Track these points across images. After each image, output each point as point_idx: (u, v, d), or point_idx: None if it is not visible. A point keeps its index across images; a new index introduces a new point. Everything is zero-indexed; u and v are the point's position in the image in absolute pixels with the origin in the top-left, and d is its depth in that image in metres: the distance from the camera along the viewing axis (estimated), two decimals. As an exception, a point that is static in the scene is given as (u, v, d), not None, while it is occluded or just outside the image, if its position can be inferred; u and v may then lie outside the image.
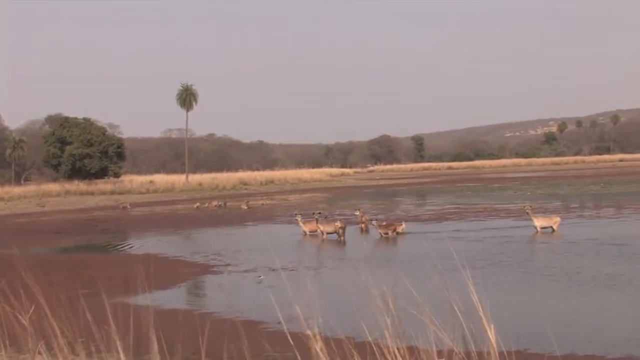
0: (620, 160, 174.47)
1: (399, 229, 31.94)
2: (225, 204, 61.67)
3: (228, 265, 24.74)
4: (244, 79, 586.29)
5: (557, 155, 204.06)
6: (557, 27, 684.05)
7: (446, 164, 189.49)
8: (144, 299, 18.11)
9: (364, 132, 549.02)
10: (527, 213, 31.44)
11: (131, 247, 33.03)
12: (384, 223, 32.95)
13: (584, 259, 22.76)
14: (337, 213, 45.86)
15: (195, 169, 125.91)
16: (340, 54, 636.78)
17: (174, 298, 19.05)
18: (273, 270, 22.64)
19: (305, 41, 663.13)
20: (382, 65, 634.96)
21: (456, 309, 4.28)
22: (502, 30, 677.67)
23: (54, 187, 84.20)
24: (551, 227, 30.74)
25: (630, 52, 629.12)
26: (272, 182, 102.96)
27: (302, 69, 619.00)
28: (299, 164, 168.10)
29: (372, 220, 33.30)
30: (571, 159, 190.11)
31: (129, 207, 63.69)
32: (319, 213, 36.95)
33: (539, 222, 30.89)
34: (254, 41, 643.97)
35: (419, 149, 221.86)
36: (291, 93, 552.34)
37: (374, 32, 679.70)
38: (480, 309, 4.06)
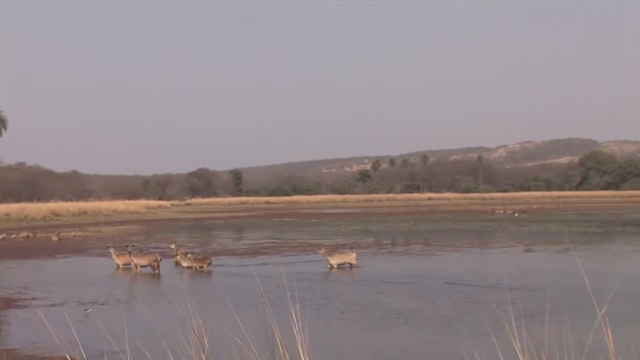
0: (429, 199, 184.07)
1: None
2: (34, 235, 58.97)
3: (35, 299, 23.63)
4: (58, 106, 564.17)
5: (371, 192, 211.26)
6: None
7: (264, 199, 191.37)
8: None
9: (182, 165, 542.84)
10: (320, 253, 32.36)
11: None
12: (199, 257, 32.84)
13: (379, 295, 23.14)
14: (152, 246, 45.08)
15: (2, 199, 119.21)
16: (154, 94, 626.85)
17: (-29, 334, 17.93)
18: (82, 304, 22.04)
19: (122, 75, 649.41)
20: (195, 105, 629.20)
21: (279, 342, 4.36)
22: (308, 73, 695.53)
23: None
24: (349, 263, 31.73)
25: (439, 98, 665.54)
26: (85, 213, 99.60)
27: (117, 99, 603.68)
28: (115, 195, 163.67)
29: (187, 253, 33.00)
30: (384, 196, 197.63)
31: None
32: (133, 246, 36.22)
33: (334, 260, 31.64)
34: (69, 68, 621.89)
35: (237, 182, 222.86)
36: (107, 122, 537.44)
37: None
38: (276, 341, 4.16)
